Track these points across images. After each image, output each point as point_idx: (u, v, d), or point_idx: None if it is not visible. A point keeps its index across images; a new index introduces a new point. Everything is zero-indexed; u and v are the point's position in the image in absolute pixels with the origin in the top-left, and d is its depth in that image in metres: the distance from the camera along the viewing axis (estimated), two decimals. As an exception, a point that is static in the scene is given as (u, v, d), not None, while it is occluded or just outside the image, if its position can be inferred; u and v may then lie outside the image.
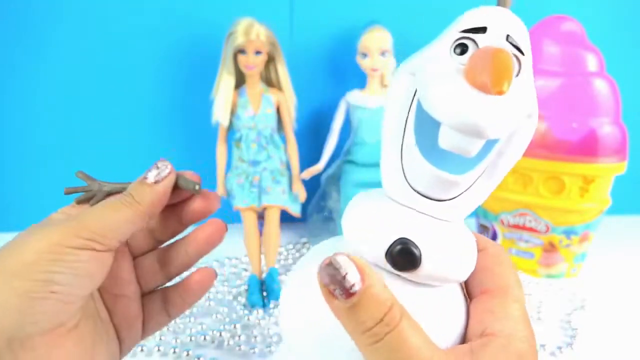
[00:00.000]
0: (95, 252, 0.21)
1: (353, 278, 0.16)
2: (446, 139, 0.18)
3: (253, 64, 0.56)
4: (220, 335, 0.42)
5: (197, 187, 0.26)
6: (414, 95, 0.19)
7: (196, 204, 0.27)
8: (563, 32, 0.54)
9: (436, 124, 0.18)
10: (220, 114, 0.57)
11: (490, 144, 0.19)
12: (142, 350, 0.40)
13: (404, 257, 0.18)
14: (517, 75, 0.18)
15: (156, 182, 0.25)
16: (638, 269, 0.60)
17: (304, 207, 0.63)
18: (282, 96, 0.59)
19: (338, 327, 0.18)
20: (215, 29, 0.61)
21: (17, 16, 0.59)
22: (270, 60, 0.58)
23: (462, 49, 0.18)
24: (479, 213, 0.60)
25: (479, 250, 0.21)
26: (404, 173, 0.19)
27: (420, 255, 0.18)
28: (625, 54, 0.72)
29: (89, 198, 0.25)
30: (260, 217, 0.61)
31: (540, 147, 0.52)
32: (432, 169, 0.18)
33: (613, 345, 0.43)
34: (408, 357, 0.17)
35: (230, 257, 0.58)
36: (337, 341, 0.19)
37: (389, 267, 0.19)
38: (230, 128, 0.60)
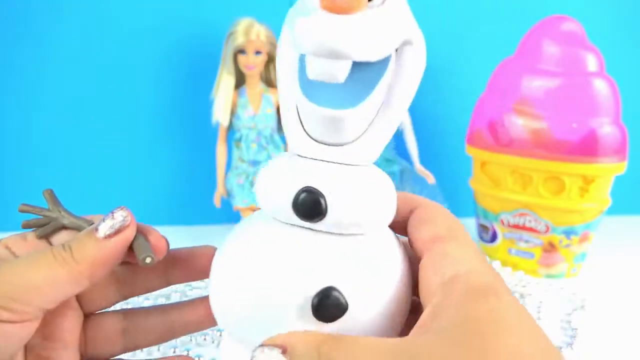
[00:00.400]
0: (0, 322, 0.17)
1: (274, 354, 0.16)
2: (311, 68, 0.17)
3: (253, 64, 0.56)
4: (220, 335, 0.42)
5: (148, 259, 0.20)
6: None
7: (181, 263, 0.22)
8: (563, 32, 0.54)
9: None
10: (220, 114, 0.57)
11: (372, 77, 0.18)
12: (142, 350, 0.40)
13: (308, 205, 0.18)
14: (383, 2, 0.18)
15: (107, 236, 0.19)
16: (638, 269, 0.60)
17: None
18: (282, 96, 0.59)
19: (268, 294, 0.18)
20: (215, 29, 0.61)
21: (17, 16, 0.59)
22: (270, 60, 0.58)
23: None
24: (479, 213, 0.60)
25: (414, 208, 0.21)
26: (302, 125, 0.19)
27: (326, 201, 0.18)
28: (625, 54, 0.72)
29: (40, 225, 0.22)
30: (260, 217, 0.61)
31: (540, 147, 0.52)
32: (315, 108, 0.18)
33: (613, 345, 0.43)
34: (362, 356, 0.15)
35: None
36: (268, 308, 0.18)
37: (301, 222, 0.19)
38: (230, 128, 0.60)
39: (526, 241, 0.56)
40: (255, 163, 0.59)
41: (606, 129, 0.51)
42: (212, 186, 0.62)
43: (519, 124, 0.54)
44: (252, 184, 0.59)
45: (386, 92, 0.19)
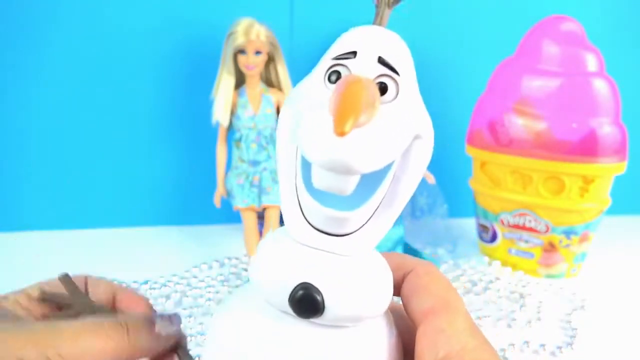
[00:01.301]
0: None
1: None
2: (318, 179, 0.17)
3: (253, 64, 0.56)
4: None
5: None
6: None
7: None
8: (563, 32, 0.54)
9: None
10: (220, 114, 0.57)
11: (379, 173, 0.18)
12: None
13: (306, 303, 0.18)
14: (395, 97, 0.17)
15: (158, 333, 0.20)
16: (638, 269, 0.60)
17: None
18: (282, 96, 0.59)
19: None
20: (215, 29, 0.61)
21: (17, 17, 0.59)
22: (270, 60, 0.58)
23: (337, 76, 0.18)
24: (479, 213, 0.60)
25: (408, 272, 0.21)
26: (302, 210, 0.19)
27: (323, 299, 0.18)
28: (625, 54, 0.72)
29: (58, 301, 0.22)
30: (260, 217, 0.61)
31: (540, 147, 0.52)
32: (319, 207, 0.17)
33: (613, 345, 0.43)
34: None
35: (230, 257, 0.58)
36: None
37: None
38: (230, 128, 0.60)
39: (526, 241, 0.56)
40: (255, 163, 0.59)
41: (606, 129, 0.51)
42: (212, 186, 0.62)
43: (519, 124, 0.54)
44: (251, 184, 0.59)
45: (390, 183, 0.18)
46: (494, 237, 0.59)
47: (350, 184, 0.17)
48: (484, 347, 0.18)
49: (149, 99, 0.65)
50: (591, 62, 0.53)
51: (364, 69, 0.17)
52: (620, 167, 0.53)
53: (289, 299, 0.18)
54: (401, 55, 0.18)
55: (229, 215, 0.64)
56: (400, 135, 0.17)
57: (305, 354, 0.18)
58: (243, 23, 0.55)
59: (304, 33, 0.66)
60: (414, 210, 0.65)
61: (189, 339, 0.41)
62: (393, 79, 0.17)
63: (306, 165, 0.18)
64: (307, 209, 0.18)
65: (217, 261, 0.56)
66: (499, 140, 0.55)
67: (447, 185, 0.65)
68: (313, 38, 0.66)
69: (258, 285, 0.19)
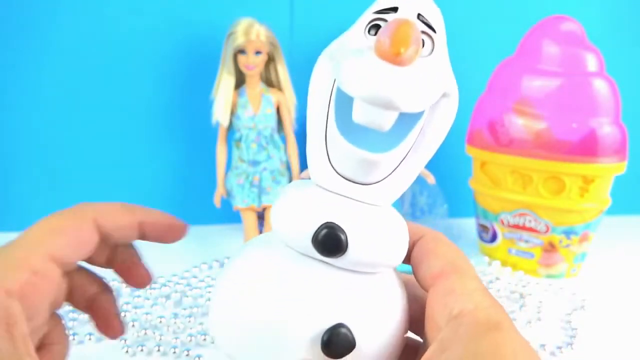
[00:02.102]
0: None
1: None
2: (358, 113, 0.18)
3: (253, 64, 0.56)
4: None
5: None
6: (335, 79, 0.19)
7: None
8: (563, 32, 0.54)
9: (352, 102, 0.18)
10: (220, 114, 0.57)
11: (408, 122, 0.19)
12: (142, 350, 0.40)
13: (330, 241, 0.18)
14: (430, 52, 0.19)
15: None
16: (638, 269, 0.60)
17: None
18: (282, 96, 0.59)
19: (269, 327, 0.18)
20: (215, 29, 0.61)
21: (17, 17, 0.59)
22: (270, 60, 0.58)
23: (377, 29, 0.19)
24: (479, 213, 0.60)
25: (418, 239, 0.21)
26: (329, 158, 0.19)
27: (347, 239, 0.18)
28: (625, 54, 0.72)
29: None
30: (260, 217, 0.61)
31: (540, 147, 0.52)
32: (352, 148, 0.18)
33: (613, 345, 0.43)
34: None
35: (230, 257, 0.58)
36: (269, 341, 0.18)
37: (317, 255, 0.19)
38: (230, 128, 0.60)
39: (526, 241, 0.56)
40: (255, 163, 0.59)
41: (606, 129, 0.51)
42: (212, 186, 0.62)
43: (519, 124, 0.54)
44: (252, 184, 0.59)
45: (417, 137, 0.19)
46: (494, 237, 0.59)
47: (389, 120, 0.17)
48: (496, 306, 0.18)
49: (148, 99, 0.65)
50: (591, 62, 0.53)
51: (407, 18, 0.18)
52: (620, 167, 0.53)
53: (312, 238, 0.18)
54: (437, 16, 0.19)
55: (229, 215, 0.64)
56: (436, 85, 0.18)
57: (322, 293, 0.18)
58: (243, 23, 0.56)
59: (304, 33, 0.66)
60: (414, 210, 0.65)
61: (188, 339, 0.41)
62: (429, 36, 0.19)
63: (341, 109, 0.18)
64: (336, 155, 0.19)
65: (217, 261, 0.56)
66: (499, 140, 0.55)
67: (447, 185, 0.65)
68: (313, 38, 0.66)
69: (280, 226, 0.19)
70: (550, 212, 0.54)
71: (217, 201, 0.61)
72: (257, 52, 0.56)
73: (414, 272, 0.21)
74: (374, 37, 0.18)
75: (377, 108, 0.17)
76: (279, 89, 0.60)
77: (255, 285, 0.19)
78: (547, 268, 0.56)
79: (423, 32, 0.19)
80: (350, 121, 0.18)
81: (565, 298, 0.52)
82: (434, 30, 0.19)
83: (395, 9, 0.19)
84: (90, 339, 0.41)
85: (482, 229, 0.61)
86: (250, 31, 0.55)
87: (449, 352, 0.16)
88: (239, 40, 0.55)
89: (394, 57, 0.16)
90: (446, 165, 0.70)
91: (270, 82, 0.60)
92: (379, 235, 0.19)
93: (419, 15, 0.19)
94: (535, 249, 0.56)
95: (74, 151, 0.64)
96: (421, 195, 0.64)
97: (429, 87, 0.18)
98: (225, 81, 0.57)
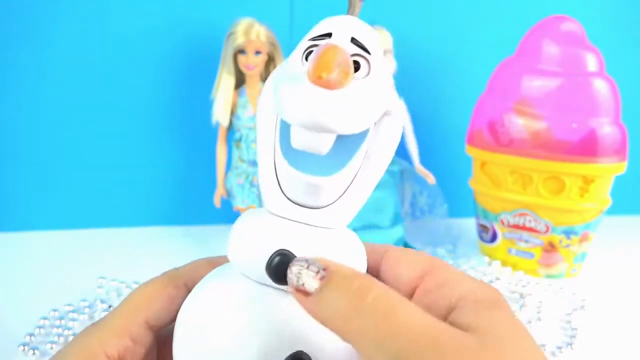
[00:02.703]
0: None
1: (311, 275, 0.17)
2: (296, 138, 0.18)
3: (253, 64, 0.56)
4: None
5: None
6: None
7: None
8: (563, 32, 0.54)
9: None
10: (220, 114, 0.57)
11: (352, 144, 0.19)
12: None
13: (282, 268, 0.18)
14: (367, 74, 0.19)
15: None
16: (638, 269, 0.60)
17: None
18: (282, 96, 0.59)
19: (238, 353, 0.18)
20: (215, 29, 0.61)
21: (17, 17, 0.59)
22: (270, 60, 0.58)
23: None
24: (479, 213, 0.60)
25: (381, 255, 0.21)
26: (279, 184, 0.19)
27: None
28: (625, 54, 0.72)
29: None
30: (260, 217, 0.61)
31: (540, 147, 0.52)
32: (295, 173, 0.18)
33: (613, 345, 0.43)
34: (397, 327, 0.15)
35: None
36: None
37: (273, 283, 0.18)
38: (230, 128, 0.60)
39: (526, 241, 0.56)
40: (255, 163, 0.59)
41: (606, 129, 0.51)
42: (212, 186, 0.62)
43: (519, 124, 0.54)
44: (252, 184, 0.59)
45: (363, 159, 0.19)
46: (494, 237, 0.59)
47: (326, 143, 0.18)
48: (488, 285, 0.18)
49: (148, 99, 0.65)
50: (591, 62, 0.53)
51: (336, 43, 0.18)
52: (620, 167, 0.53)
53: (266, 266, 0.18)
54: (372, 38, 0.19)
55: (229, 215, 0.64)
56: (373, 104, 0.18)
57: (280, 322, 0.18)
58: (243, 23, 0.55)
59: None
60: (414, 210, 0.65)
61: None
62: (365, 58, 0.19)
63: (285, 135, 0.19)
64: (285, 180, 0.19)
65: (217, 261, 0.56)
66: (499, 140, 0.55)
67: (447, 185, 0.65)
68: (313, 38, 0.65)
69: (234, 256, 0.19)
70: (550, 212, 0.54)
71: (217, 201, 0.61)
72: (257, 52, 0.56)
73: (388, 284, 0.20)
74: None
75: (313, 132, 0.17)
76: (279, 89, 0.60)
77: (213, 318, 0.19)
78: (547, 268, 0.56)
79: (358, 54, 0.19)
80: (297, 150, 0.18)
81: (565, 298, 0.52)
82: (368, 52, 0.19)
83: (329, 35, 0.19)
84: (90, 339, 0.41)
85: (482, 229, 0.61)
86: (250, 31, 0.55)
87: (462, 325, 0.16)
88: (239, 40, 0.55)
89: (317, 80, 0.17)
90: (446, 165, 0.70)
91: (270, 82, 0.60)
92: (333, 258, 0.18)
93: (352, 39, 0.19)
94: (535, 249, 0.56)
95: (74, 151, 0.64)
96: (421, 195, 0.64)
97: (365, 108, 0.18)
98: (225, 81, 0.57)
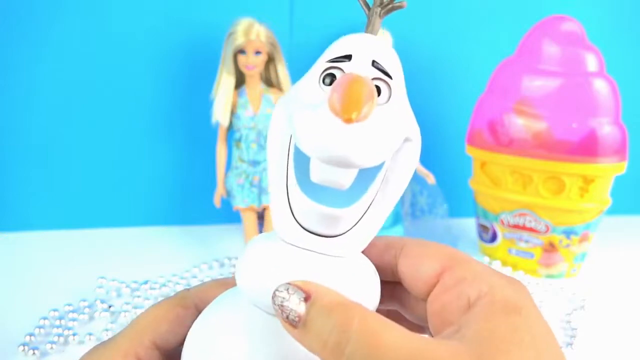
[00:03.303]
0: None
1: (294, 303, 0.16)
2: (316, 173, 0.17)
3: (253, 64, 0.56)
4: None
5: None
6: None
7: None
8: (563, 32, 0.54)
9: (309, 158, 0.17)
10: (220, 114, 0.57)
11: (370, 173, 0.18)
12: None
13: None
14: (388, 100, 0.18)
15: None
16: (638, 269, 0.60)
17: (304, 207, 0.63)
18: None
19: None
20: (215, 29, 0.61)
21: (17, 17, 0.59)
22: (270, 60, 0.58)
23: (331, 78, 0.18)
24: (479, 213, 0.60)
25: (399, 251, 0.20)
26: (292, 212, 0.19)
27: None
28: (625, 54, 0.72)
29: None
30: (260, 217, 0.61)
31: (540, 147, 0.52)
32: (312, 204, 0.18)
33: (613, 345, 0.43)
34: (382, 356, 0.15)
35: (231, 257, 0.58)
36: None
37: None
38: (230, 128, 0.60)
39: (526, 241, 0.56)
40: (255, 163, 0.59)
41: (606, 129, 0.51)
42: (212, 186, 0.62)
43: (519, 124, 0.54)
44: (252, 184, 0.59)
45: (381, 184, 0.19)
46: (494, 237, 0.59)
47: (348, 178, 0.17)
48: (514, 285, 0.17)
49: (148, 99, 0.65)
50: (591, 62, 0.53)
51: (359, 71, 0.18)
52: (620, 167, 0.53)
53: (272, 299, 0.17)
54: (393, 61, 0.18)
55: (229, 215, 0.64)
56: (395, 134, 0.17)
57: (287, 354, 0.18)
58: (243, 23, 0.56)
59: (304, 33, 0.66)
60: (414, 210, 0.65)
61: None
62: (386, 82, 0.18)
63: (299, 164, 0.18)
64: (299, 209, 0.18)
65: (217, 261, 0.56)
66: (499, 140, 0.55)
67: (447, 185, 0.65)
68: (313, 38, 0.66)
69: (245, 285, 0.19)
70: (550, 212, 0.54)
71: (217, 201, 0.61)
72: (257, 52, 0.56)
73: (406, 284, 0.20)
74: (329, 88, 0.18)
75: (334, 167, 0.17)
76: (279, 89, 0.60)
77: (218, 349, 0.18)
78: (547, 268, 0.56)
79: (379, 78, 0.18)
80: (308, 174, 0.18)
81: (565, 298, 0.52)
82: (390, 77, 0.18)
83: (349, 57, 0.18)
84: (90, 339, 0.41)
85: (482, 229, 0.61)
86: (250, 31, 0.55)
87: (464, 330, 0.16)
88: (239, 40, 0.55)
89: (344, 119, 0.16)
90: (446, 165, 0.70)
91: (270, 82, 0.60)
92: (346, 290, 0.18)
93: (373, 62, 0.18)
94: (535, 249, 0.56)
95: (74, 151, 0.64)
96: (421, 195, 0.64)
97: (388, 138, 0.17)
98: (225, 81, 0.57)
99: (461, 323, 0.16)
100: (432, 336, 0.19)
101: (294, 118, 0.17)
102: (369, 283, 0.19)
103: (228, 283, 0.22)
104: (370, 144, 0.16)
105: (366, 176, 0.18)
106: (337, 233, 0.19)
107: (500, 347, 0.15)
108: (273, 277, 0.18)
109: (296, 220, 0.19)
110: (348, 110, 0.16)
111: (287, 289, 0.16)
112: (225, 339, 0.18)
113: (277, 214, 0.19)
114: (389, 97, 0.18)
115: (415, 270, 0.20)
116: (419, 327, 0.22)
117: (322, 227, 0.18)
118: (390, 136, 0.17)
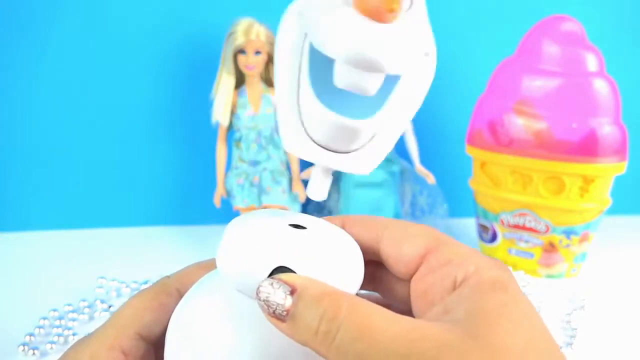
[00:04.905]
0: None
1: (280, 298, 0.16)
2: (341, 77, 0.16)
3: (253, 64, 0.56)
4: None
5: None
6: (305, 36, 0.17)
7: None
8: (563, 32, 0.53)
9: (330, 64, 0.16)
10: (220, 114, 0.57)
11: (388, 85, 0.17)
12: None
13: None
14: (410, 6, 0.17)
15: None
16: (638, 269, 0.60)
17: (304, 207, 0.63)
18: (282, 96, 0.59)
19: None
20: (215, 29, 0.61)
21: (17, 16, 0.59)
22: (270, 60, 0.58)
23: None
24: (479, 213, 0.60)
25: (381, 233, 0.20)
26: (303, 125, 0.18)
27: None
28: (625, 54, 0.72)
29: None
30: (260, 217, 0.61)
31: (540, 147, 0.52)
32: (330, 114, 0.16)
33: (613, 345, 0.43)
34: (373, 340, 0.14)
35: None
36: None
37: None
38: (230, 128, 0.60)
39: (526, 241, 0.56)
40: (255, 163, 0.59)
41: (606, 129, 0.51)
42: (212, 186, 0.62)
43: (519, 124, 0.54)
44: (252, 184, 0.59)
45: (396, 99, 0.18)
46: (494, 237, 0.59)
47: (376, 83, 0.16)
48: (499, 265, 0.17)
49: (148, 99, 0.65)
50: (591, 62, 0.53)
51: None
52: (620, 167, 0.53)
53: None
54: None
55: (229, 215, 0.64)
56: (420, 42, 0.17)
57: (271, 336, 0.17)
58: (243, 23, 0.56)
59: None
60: (414, 210, 0.65)
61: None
62: None
63: (317, 73, 0.17)
64: (311, 122, 0.17)
65: (217, 261, 0.56)
66: (499, 140, 0.55)
67: (447, 185, 0.65)
68: (313, 38, 0.65)
69: (227, 271, 0.18)
70: (550, 212, 0.54)
71: (217, 201, 0.61)
72: (257, 52, 0.56)
73: (389, 264, 0.20)
74: None
75: (362, 72, 0.16)
76: (279, 89, 0.60)
77: (206, 339, 0.17)
78: (547, 268, 0.56)
79: None
80: (325, 84, 0.17)
81: (565, 298, 0.52)
82: None
83: None
84: (90, 339, 0.41)
85: (482, 229, 0.61)
86: (250, 31, 0.55)
87: (454, 312, 0.16)
88: (239, 40, 0.55)
89: (385, 13, 0.15)
90: (446, 165, 0.70)
91: (270, 82, 0.60)
92: (330, 269, 0.17)
93: None
94: (535, 249, 0.56)
95: (74, 151, 0.64)
96: (421, 195, 0.64)
97: (415, 46, 0.16)
98: (225, 81, 0.57)
99: (447, 303, 0.16)
100: (414, 317, 0.19)
101: (315, 21, 0.16)
102: (353, 262, 0.18)
103: (208, 266, 0.22)
104: (402, 47, 0.16)
105: (383, 88, 0.17)
106: (351, 149, 0.18)
107: (492, 322, 0.15)
108: (259, 266, 0.17)
109: (307, 134, 0.18)
110: (388, 2, 0.15)
111: (272, 284, 0.16)
112: (208, 325, 0.17)
113: (285, 128, 0.18)
114: (411, 4, 0.17)
115: (399, 250, 0.19)
116: (399, 309, 0.22)
117: (336, 140, 0.17)
118: (415, 45, 0.16)
